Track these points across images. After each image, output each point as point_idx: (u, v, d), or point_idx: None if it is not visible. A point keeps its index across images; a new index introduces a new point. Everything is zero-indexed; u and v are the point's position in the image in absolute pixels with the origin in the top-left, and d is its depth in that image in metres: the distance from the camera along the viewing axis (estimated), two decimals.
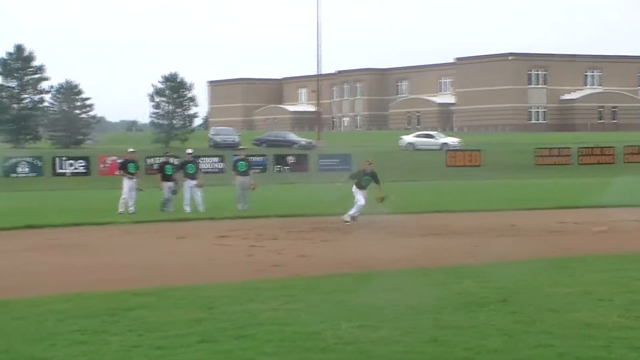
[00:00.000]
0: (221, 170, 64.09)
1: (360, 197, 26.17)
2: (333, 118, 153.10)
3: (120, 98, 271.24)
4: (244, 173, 31.93)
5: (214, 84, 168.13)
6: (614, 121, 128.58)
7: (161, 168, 32.08)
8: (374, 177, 26.74)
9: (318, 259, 18.25)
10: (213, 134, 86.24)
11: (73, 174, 61.80)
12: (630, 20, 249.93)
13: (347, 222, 25.73)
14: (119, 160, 37.31)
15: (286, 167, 65.64)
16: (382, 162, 69.72)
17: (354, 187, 26.55)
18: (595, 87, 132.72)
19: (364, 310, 11.91)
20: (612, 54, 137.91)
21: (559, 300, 12.45)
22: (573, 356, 9.43)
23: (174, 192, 31.15)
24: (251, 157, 33.95)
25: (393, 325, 10.94)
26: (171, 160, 32.96)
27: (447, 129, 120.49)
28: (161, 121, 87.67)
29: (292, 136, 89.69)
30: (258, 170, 53.15)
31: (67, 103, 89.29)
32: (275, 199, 33.95)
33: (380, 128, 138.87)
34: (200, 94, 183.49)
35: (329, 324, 11.10)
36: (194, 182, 31.12)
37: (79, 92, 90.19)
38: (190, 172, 31.29)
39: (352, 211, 26.10)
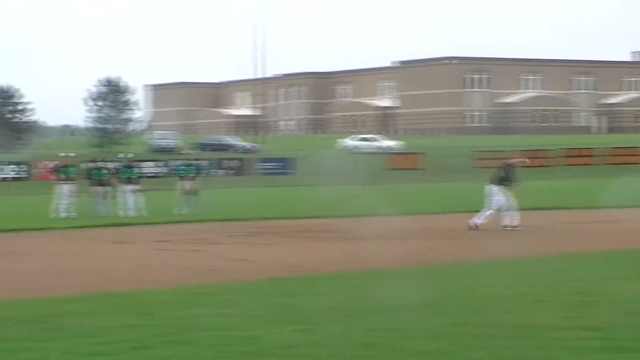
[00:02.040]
0: (162, 175, 63.78)
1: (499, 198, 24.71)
2: (274, 122, 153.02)
3: (60, 102, 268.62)
4: (190, 178, 31.86)
5: (154, 88, 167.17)
6: (552, 124, 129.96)
7: (95, 173, 31.72)
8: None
9: (258, 263, 18.22)
10: (153, 138, 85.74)
11: (10, 179, 61.05)
12: (566, 25, 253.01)
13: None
14: (58, 165, 36.81)
15: (227, 171, 65.52)
16: (324, 165, 69.97)
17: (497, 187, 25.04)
18: (533, 90, 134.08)
19: (303, 314, 11.91)
20: (549, 57, 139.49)
21: (495, 302, 12.55)
22: (507, 358, 9.51)
23: (112, 196, 30.89)
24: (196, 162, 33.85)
25: (330, 329, 10.95)
26: (108, 164, 32.66)
27: (388, 133, 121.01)
28: (101, 125, 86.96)
29: (233, 140, 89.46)
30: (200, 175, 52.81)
31: (5, 107, 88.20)
32: (215, 203, 33.79)
33: (321, 132, 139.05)
34: (141, 98, 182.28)
35: (268, 328, 11.08)
36: (133, 187, 30.91)
37: (18, 96, 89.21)
38: (129, 176, 31.06)
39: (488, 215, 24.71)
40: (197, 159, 41.43)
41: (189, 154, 34.80)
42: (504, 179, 24.90)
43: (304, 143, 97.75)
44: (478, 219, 24.52)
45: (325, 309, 12.29)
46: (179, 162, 34.49)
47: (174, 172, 63.07)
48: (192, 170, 32.03)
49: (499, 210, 24.59)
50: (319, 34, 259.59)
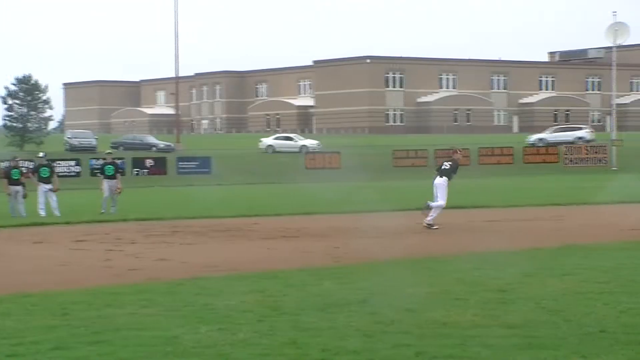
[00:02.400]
0: (78, 174, 63.09)
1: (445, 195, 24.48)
2: (192, 121, 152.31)
3: None
4: (112, 177, 31.50)
5: (69, 87, 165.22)
6: (468, 123, 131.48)
7: (8, 172, 31.19)
8: (453, 164, 25.28)
9: (178, 263, 18.07)
10: (69, 137, 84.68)
11: None
12: (483, 25, 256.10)
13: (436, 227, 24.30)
14: None
15: (145, 171, 65.00)
16: (242, 165, 69.99)
17: (442, 180, 24.77)
18: (450, 90, 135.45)
19: (225, 313, 11.84)
20: (465, 57, 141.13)
21: (417, 300, 12.61)
22: (429, 355, 9.57)
23: (24, 196, 30.39)
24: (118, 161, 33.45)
25: (252, 328, 10.90)
26: (20, 164, 32.14)
27: (306, 131, 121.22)
28: (15, 124, 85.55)
29: (151, 139, 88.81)
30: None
31: None
32: (133, 202, 33.52)
33: (239, 131, 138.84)
34: (56, 96, 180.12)
35: (188, 327, 11.00)
36: (48, 186, 30.47)
37: None
38: (44, 175, 30.61)
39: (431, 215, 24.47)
40: (117, 158, 40.99)
41: (109, 153, 34.28)
42: (452, 173, 24.94)
43: (221, 142, 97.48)
44: (429, 217, 24.47)
45: (249, 308, 12.22)
46: (101, 162, 34.05)
47: (96, 170, 62.77)
48: (110, 169, 31.64)
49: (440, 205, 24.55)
50: (240, 33, 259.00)
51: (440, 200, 24.63)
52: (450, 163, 25.32)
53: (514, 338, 10.23)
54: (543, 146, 77.12)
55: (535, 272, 15.16)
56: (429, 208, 24.52)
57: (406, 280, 14.44)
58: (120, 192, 31.52)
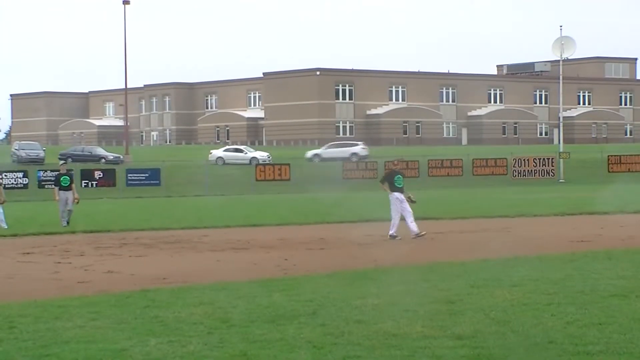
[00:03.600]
0: (25, 186, 62.51)
1: (397, 207, 24.62)
2: (141, 132, 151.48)
3: None
4: (67, 188, 31.10)
5: (16, 97, 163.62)
6: (417, 136, 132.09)
7: None
8: (403, 176, 25.44)
9: (127, 275, 17.97)
10: (17, 149, 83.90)
11: None
12: (432, 38, 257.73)
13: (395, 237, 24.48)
14: None
15: (93, 182, 64.54)
16: (192, 176, 69.76)
17: (393, 193, 24.81)
18: (399, 102, 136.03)
19: (174, 326, 11.80)
20: (415, 70, 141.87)
21: (366, 312, 12.64)
22: None
23: None
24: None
25: (202, 340, 10.87)
26: None
27: (256, 143, 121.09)
28: None
29: (100, 150, 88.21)
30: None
31: None
32: (82, 214, 33.26)
33: (189, 142, 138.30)
34: (2, 107, 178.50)
35: (137, 340, 10.94)
36: None
37: None
38: None
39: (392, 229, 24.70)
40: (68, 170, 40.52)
41: (64, 164, 33.85)
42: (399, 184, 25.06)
43: (171, 154, 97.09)
44: (415, 228, 24.64)
45: (199, 320, 12.18)
46: (55, 173, 33.68)
47: (49, 182, 62.26)
48: (66, 180, 31.25)
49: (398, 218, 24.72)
50: (189, 44, 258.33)
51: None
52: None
53: (463, 349, 10.30)
54: (320, 161, 78.59)
55: (483, 284, 15.25)
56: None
57: (354, 292, 14.46)
58: (77, 202, 31.08)
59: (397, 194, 24.91)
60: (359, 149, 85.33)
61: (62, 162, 35.82)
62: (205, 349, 10.42)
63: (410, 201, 25.14)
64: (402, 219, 24.77)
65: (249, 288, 15.19)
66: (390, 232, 24.75)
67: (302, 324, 11.79)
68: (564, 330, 11.25)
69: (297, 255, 21.19)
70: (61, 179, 31.50)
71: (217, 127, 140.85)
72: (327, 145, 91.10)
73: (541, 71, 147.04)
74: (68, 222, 30.47)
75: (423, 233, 24.67)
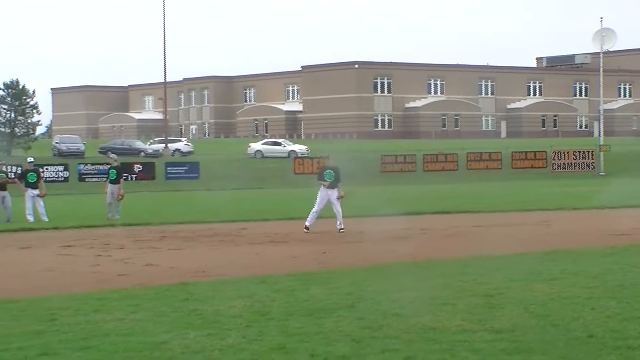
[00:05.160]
0: (66, 179, 62.99)
1: (318, 202, 25.29)
2: (180, 126, 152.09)
3: None
4: (114, 181, 31.33)
5: (56, 91, 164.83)
6: (456, 129, 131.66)
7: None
8: (336, 172, 25.76)
9: (166, 268, 18.06)
10: (57, 142, 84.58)
11: None
12: (471, 31, 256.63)
13: (306, 230, 25.06)
14: None
15: (133, 176, 64.87)
16: (231, 170, 69.92)
17: (321, 187, 25.44)
18: (438, 95, 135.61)
19: (213, 319, 11.84)
20: (453, 63, 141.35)
21: (404, 305, 12.61)
22: None
23: (1, 201, 30.25)
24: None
25: (241, 333, 10.90)
26: (3, 168, 32.03)
27: (294, 137, 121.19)
28: (2, 129, 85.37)
29: (139, 144, 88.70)
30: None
31: None
32: (122, 207, 33.42)
33: (228, 136, 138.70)
34: (44, 101, 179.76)
35: (176, 332, 10.99)
36: (35, 192, 30.40)
37: None
38: (31, 181, 30.54)
39: (308, 219, 25.34)
40: (100, 164, 40.71)
41: (116, 159, 33.92)
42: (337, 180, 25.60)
43: (210, 147, 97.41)
44: (340, 224, 25.15)
45: (238, 313, 12.22)
46: (107, 166, 33.94)
47: (88, 175, 62.70)
48: (113, 174, 31.47)
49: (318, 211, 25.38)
50: (228, 38, 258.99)
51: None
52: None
53: (501, 343, 10.25)
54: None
55: (522, 277, 15.17)
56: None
57: (392, 285, 14.44)
58: (120, 198, 31.22)
59: (322, 188, 25.41)
60: (183, 145, 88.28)
61: (111, 155, 35.84)
62: (243, 342, 10.45)
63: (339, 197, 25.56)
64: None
65: (287, 281, 15.21)
66: (306, 224, 25.27)
67: (340, 317, 11.80)
68: (605, 325, 11.17)
69: (335, 248, 21.20)
70: (110, 171, 31.72)
71: (256, 120, 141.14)
72: (153, 140, 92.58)
73: (581, 63, 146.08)
74: (119, 215, 30.65)
75: (307, 230, 24.98)
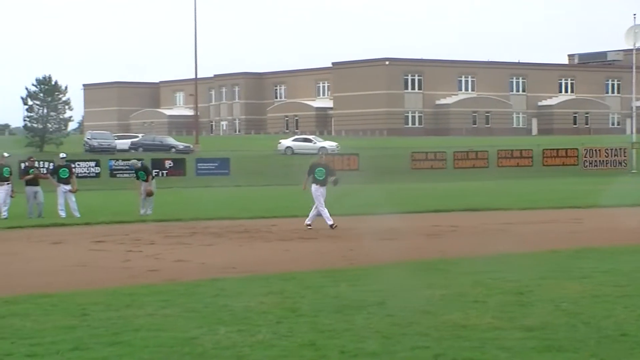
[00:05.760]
0: (97, 175, 63.31)
1: (318, 200, 25.44)
2: (211, 122, 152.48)
3: None
4: (145, 180, 31.47)
5: (88, 87, 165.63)
6: (487, 126, 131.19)
7: (26, 172, 31.25)
8: (327, 169, 26.05)
9: (196, 264, 18.13)
10: (89, 138, 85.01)
11: None
12: (500, 27, 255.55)
13: (308, 226, 25.27)
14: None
15: (164, 172, 65.09)
16: (261, 166, 70.07)
17: (313, 185, 25.69)
18: (469, 92, 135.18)
19: (244, 315, 11.87)
20: (483, 59, 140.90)
21: (434, 302, 12.61)
22: (448, 357, 9.57)
23: (34, 197, 30.39)
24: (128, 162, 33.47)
25: (271, 329, 10.92)
26: (35, 164, 32.18)
27: (325, 133, 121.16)
28: (35, 125, 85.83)
29: (170, 140, 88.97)
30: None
31: None
32: (153, 203, 33.54)
33: (258, 132, 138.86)
34: (75, 97, 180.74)
35: (207, 328, 11.03)
36: (67, 187, 30.57)
37: None
38: (63, 176, 30.71)
39: (309, 217, 25.58)
40: (137, 159, 40.70)
41: (135, 163, 34.06)
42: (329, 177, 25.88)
43: (240, 143, 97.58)
44: (309, 220, 25.47)
45: (268, 309, 12.24)
46: (142, 163, 34.10)
47: (119, 171, 62.98)
48: (142, 175, 31.56)
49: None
50: (259, 34, 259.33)
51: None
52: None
53: (532, 340, 10.22)
54: None
55: (552, 275, 15.12)
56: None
57: (422, 282, 14.44)
58: (149, 194, 31.28)
59: (315, 186, 25.54)
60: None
61: (134, 161, 35.87)
62: (274, 338, 10.47)
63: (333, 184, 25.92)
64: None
65: (317, 278, 15.23)
66: (329, 224, 25.21)
67: (370, 314, 11.80)
68: (637, 323, 11.11)
69: (364, 245, 21.19)
70: (138, 173, 31.81)
71: (286, 116, 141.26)
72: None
73: (613, 60, 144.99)
74: (151, 211, 30.77)
75: (310, 227, 25.21)
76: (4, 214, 29.77)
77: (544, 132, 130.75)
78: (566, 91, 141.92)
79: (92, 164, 64.81)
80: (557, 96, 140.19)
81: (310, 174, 25.87)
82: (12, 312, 12.29)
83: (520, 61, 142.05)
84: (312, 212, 25.63)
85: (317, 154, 26.14)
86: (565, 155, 72.58)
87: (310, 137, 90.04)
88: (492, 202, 35.42)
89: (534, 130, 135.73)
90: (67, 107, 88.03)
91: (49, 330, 11.05)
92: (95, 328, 11.16)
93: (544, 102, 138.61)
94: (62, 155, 33.39)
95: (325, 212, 25.40)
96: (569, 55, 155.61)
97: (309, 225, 25.35)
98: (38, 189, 30.44)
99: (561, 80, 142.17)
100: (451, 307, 12.25)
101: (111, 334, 10.77)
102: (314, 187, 25.63)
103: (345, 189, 47.27)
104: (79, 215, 29.91)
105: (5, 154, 31.74)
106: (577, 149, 72.69)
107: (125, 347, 10.15)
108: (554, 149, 73.58)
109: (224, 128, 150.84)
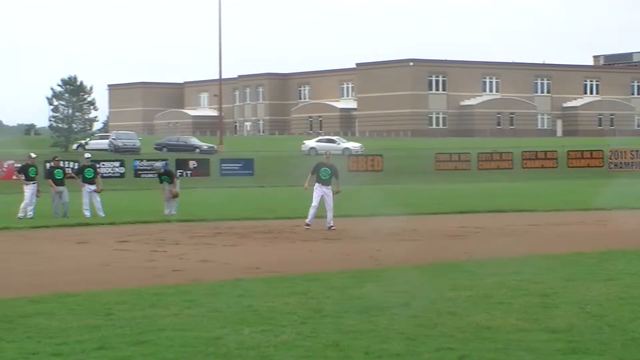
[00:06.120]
0: (122, 175, 63.50)
1: (315, 198, 25.70)
2: (235, 122, 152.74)
3: (18, 102, 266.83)
4: (170, 183, 31.51)
5: (113, 88, 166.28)
6: (511, 127, 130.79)
7: (50, 173, 31.39)
8: (332, 170, 26.16)
9: (220, 264, 18.16)
10: (113, 138, 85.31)
11: None
12: (525, 28, 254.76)
13: (307, 226, 25.44)
14: (18, 165, 36.31)
15: (188, 172, 65.19)
16: (285, 167, 70.07)
17: (316, 184, 25.88)
18: (493, 93, 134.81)
19: (268, 315, 11.88)
20: (508, 60, 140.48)
21: (459, 304, 12.58)
22: (473, 359, 9.54)
23: (59, 196, 30.48)
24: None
25: (295, 330, 10.93)
26: (60, 164, 32.31)
27: (349, 134, 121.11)
28: (60, 125, 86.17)
29: (194, 140, 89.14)
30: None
31: None
32: (177, 203, 33.63)
33: (282, 133, 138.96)
34: (100, 97, 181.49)
35: (231, 328, 11.05)
36: (92, 187, 30.67)
37: None
38: (88, 176, 30.82)
39: (308, 218, 25.73)
40: (155, 159, 40.92)
41: (160, 165, 34.26)
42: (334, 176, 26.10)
43: (264, 144, 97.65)
44: (330, 221, 25.62)
45: (292, 310, 12.24)
46: (164, 166, 34.23)
47: (144, 171, 63.12)
48: (166, 179, 31.60)
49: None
50: (283, 35, 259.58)
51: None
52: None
53: (558, 343, 10.18)
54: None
55: (578, 277, 15.06)
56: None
57: (447, 284, 14.41)
58: (174, 196, 31.30)
59: (317, 185, 25.80)
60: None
61: (158, 164, 35.97)
62: (298, 339, 10.48)
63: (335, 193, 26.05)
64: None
65: (341, 278, 15.22)
66: (306, 221, 25.61)
67: (395, 315, 11.78)
68: None
69: (389, 246, 21.16)
70: (161, 177, 31.82)
71: (310, 117, 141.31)
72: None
73: (639, 62, 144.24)
74: (175, 211, 30.82)
75: (309, 227, 25.37)
76: (30, 213, 29.93)
77: (569, 133, 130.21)
78: (591, 92, 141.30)
79: (117, 164, 65.02)
80: (582, 97, 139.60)
81: (315, 174, 26.01)
82: (38, 311, 12.35)
83: (545, 62, 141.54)
84: (311, 212, 25.86)
85: (323, 154, 26.18)
86: (590, 157, 72.15)
87: (334, 138, 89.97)
88: (517, 203, 35.28)
89: (559, 132, 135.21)
90: (92, 107, 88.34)
91: (74, 330, 11.09)
92: (120, 327, 11.20)
93: (568, 104, 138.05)
94: (87, 155, 33.49)
95: (312, 212, 25.69)
96: (594, 57, 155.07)
97: (308, 225, 25.51)
98: (63, 188, 30.55)
99: (586, 81, 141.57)
100: (476, 308, 12.22)
101: (136, 334, 10.81)
102: (316, 185, 25.85)
103: (370, 189, 47.24)
104: (103, 215, 30.02)
105: (33, 155, 31.88)
106: (602, 150, 72.25)
107: (149, 346, 10.18)
108: (578, 151, 73.18)
109: (248, 129, 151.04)
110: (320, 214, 25.85)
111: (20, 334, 10.91)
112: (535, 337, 10.49)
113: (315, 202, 25.73)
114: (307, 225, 25.50)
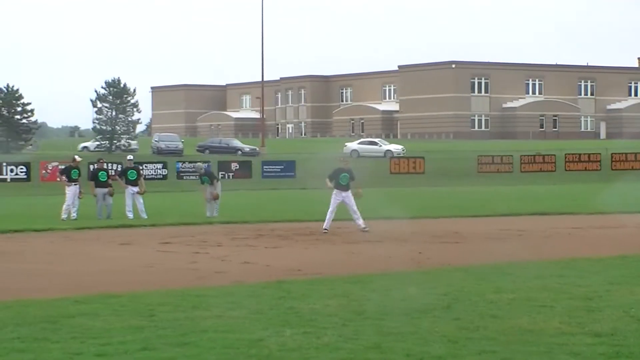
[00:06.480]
0: (164, 177, 63.85)
1: (332, 204, 25.59)
2: (277, 124, 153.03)
3: (63, 104, 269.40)
4: (210, 185, 31.70)
5: (156, 90, 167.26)
6: (554, 129, 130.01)
7: (95, 174, 31.63)
8: (351, 175, 26.12)
9: (262, 266, 18.19)
10: (156, 140, 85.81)
11: (13, 180, 60.80)
12: (570, 30, 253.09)
13: (325, 231, 25.28)
14: (61, 167, 36.54)
15: (230, 174, 65.41)
16: (327, 169, 70.08)
17: (335, 190, 25.84)
18: (536, 95, 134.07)
19: (309, 317, 11.89)
20: (552, 62, 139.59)
21: (501, 307, 12.52)
22: None
23: (103, 198, 30.68)
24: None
25: (337, 332, 10.93)
26: (104, 166, 32.54)
27: (390, 136, 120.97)
28: (104, 127, 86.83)
29: (236, 142, 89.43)
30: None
31: (7, 108, 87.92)
32: (219, 205, 33.77)
33: (324, 135, 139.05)
34: (143, 100, 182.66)
35: (273, 330, 11.07)
36: (135, 189, 30.87)
37: (19, 97, 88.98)
38: (132, 178, 31.02)
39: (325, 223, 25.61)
40: (197, 162, 41.10)
41: (198, 167, 34.56)
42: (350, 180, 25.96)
43: (306, 146, 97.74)
44: (362, 223, 25.40)
45: (334, 312, 12.25)
46: (206, 168, 34.45)
47: (186, 173, 63.42)
48: (207, 180, 31.77)
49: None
50: (325, 37, 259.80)
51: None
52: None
53: (601, 347, 10.11)
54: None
55: (622, 280, 14.94)
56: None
57: (489, 286, 14.35)
58: (215, 198, 31.43)
59: (337, 191, 25.64)
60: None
61: (200, 164, 36.25)
62: (339, 341, 10.48)
63: (358, 196, 25.86)
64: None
65: (383, 281, 15.20)
66: (324, 226, 25.35)
67: (436, 318, 11.75)
68: None
69: (431, 248, 21.11)
70: (202, 178, 32.01)
71: (352, 119, 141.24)
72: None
73: None
74: (217, 213, 30.94)
75: (367, 229, 25.16)
76: (74, 214, 30.17)
77: (613, 136, 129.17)
78: (636, 95, 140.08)
79: (160, 165, 65.37)
80: (626, 100, 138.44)
81: (334, 179, 25.86)
82: (82, 311, 12.45)
83: (589, 64, 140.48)
84: (328, 216, 25.64)
85: (343, 160, 26.17)
86: (635, 160, 71.53)
87: (376, 140, 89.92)
88: (560, 206, 35.06)
89: (602, 134, 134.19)
90: (135, 109, 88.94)
91: (117, 330, 11.17)
92: (163, 329, 11.25)
93: (612, 106, 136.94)
94: (129, 157, 33.70)
95: (329, 217, 25.51)
96: (639, 59, 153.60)
97: (326, 230, 25.28)
98: (107, 190, 30.75)
99: (631, 83, 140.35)
100: (518, 311, 12.16)
101: (178, 335, 10.86)
102: (335, 192, 25.74)
103: (412, 192, 47.16)
104: (146, 217, 30.19)
105: (78, 158, 32.11)
106: None
107: (192, 348, 10.22)
108: (622, 154, 72.58)
109: (290, 131, 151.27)
110: (341, 217, 25.86)
111: (65, 334, 11.00)
112: (578, 340, 10.42)
113: (332, 207, 25.58)
114: (325, 230, 25.28)
